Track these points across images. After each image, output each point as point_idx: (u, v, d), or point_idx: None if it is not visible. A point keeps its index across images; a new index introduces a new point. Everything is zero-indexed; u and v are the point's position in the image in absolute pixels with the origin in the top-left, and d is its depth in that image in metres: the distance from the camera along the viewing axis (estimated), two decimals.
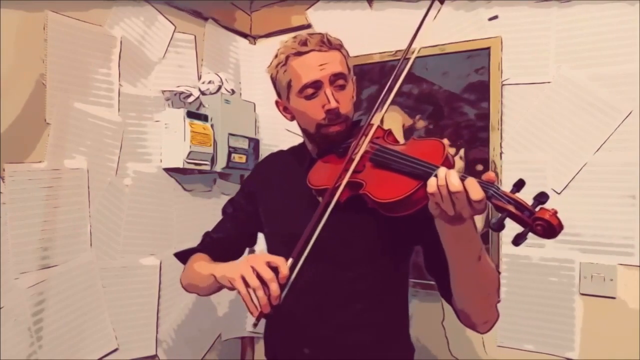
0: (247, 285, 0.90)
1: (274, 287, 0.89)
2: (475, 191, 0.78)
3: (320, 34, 1.10)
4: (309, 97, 1.07)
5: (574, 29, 1.55)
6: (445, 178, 0.80)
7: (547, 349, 1.57)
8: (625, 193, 1.47)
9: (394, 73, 1.03)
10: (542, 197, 0.79)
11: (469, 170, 1.69)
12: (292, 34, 1.13)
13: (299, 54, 1.07)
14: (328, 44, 1.08)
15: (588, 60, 1.53)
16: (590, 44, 1.53)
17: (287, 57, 1.09)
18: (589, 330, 1.51)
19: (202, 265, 1.14)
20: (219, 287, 1.08)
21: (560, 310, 1.55)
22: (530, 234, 0.78)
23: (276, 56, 1.13)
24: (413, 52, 1.02)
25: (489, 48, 1.66)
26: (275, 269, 0.91)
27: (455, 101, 1.73)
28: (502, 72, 1.65)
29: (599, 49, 1.52)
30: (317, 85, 1.05)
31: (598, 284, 1.50)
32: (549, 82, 1.59)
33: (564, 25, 1.57)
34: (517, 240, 0.77)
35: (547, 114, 1.59)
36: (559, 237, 1.56)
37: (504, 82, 1.65)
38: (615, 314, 1.48)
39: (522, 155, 1.62)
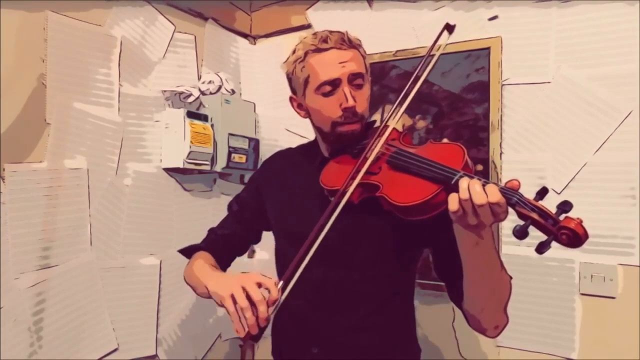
0: (235, 304, 0.90)
1: (262, 309, 0.88)
2: (494, 194, 0.78)
3: (340, 32, 1.09)
4: (326, 95, 1.06)
5: (574, 29, 1.55)
6: (469, 190, 0.80)
7: (547, 349, 1.57)
8: (626, 193, 1.47)
9: (413, 77, 1.03)
10: (565, 206, 0.78)
11: None
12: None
13: (319, 50, 1.06)
14: (348, 42, 1.07)
15: (588, 60, 1.53)
16: (590, 44, 1.53)
17: (305, 53, 1.07)
18: (589, 330, 1.51)
19: (201, 270, 1.13)
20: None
21: (560, 310, 1.55)
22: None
23: (294, 52, 1.12)
24: (437, 50, 1.02)
25: (489, 48, 1.66)
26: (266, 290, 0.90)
27: (455, 101, 1.72)
28: (502, 72, 1.65)
29: (599, 49, 1.51)
30: (335, 83, 1.04)
31: (598, 284, 1.50)
32: (549, 82, 1.59)
33: (564, 25, 1.57)
34: (541, 248, 0.77)
35: (547, 114, 1.59)
36: None
37: (504, 82, 1.65)
38: (615, 314, 1.48)
39: (522, 155, 1.62)
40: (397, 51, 1.84)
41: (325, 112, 1.07)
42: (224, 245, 1.28)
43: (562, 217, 0.78)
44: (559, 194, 1.55)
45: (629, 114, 1.47)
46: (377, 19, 1.89)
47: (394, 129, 1.07)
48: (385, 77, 1.86)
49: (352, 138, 1.08)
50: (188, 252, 1.28)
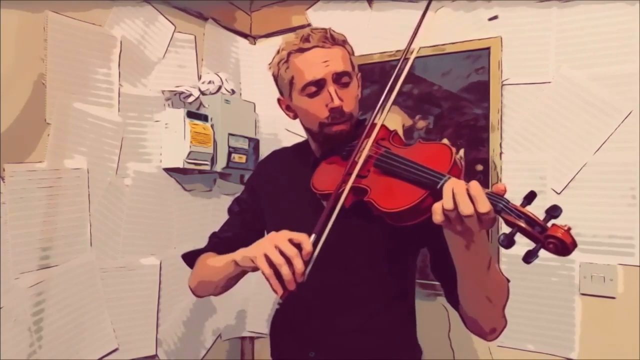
0: (270, 263, 0.87)
1: (298, 264, 0.85)
2: (482, 204, 0.75)
3: (323, 29, 1.06)
4: (311, 95, 1.04)
5: (574, 29, 1.55)
6: (454, 198, 0.76)
7: (547, 349, 1.57)
8: (626, 193, 1.47)
9: (395, 73, 0.99)
10: (554, 211, 0.74)
11: (469, 170, 1.68)
12: (293, 33, 1.11)
13: (301, 50, 1.03)
14: (331, 40, 1.04)
15: (588, 60, 1.53)
16: (590, 44, 1.53)
17: (289, 54, 1.06)
18: (589, 330, 1.51)
19: (218, 258, 1.11)
20: (239, 276, 1.07)
21: (560, 310, 1.55)
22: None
23: (278, 52, 1.10)
24: (412, 52, 1.00)
25: (489, 48, 1.66)
26: (297, 246, 0.88)
27: (455, 101, 1.72)
28: (502, 72, 1.65)
29: (599, 49, 1.51)
30: (320, 83, 1.02)
31: (598, 284, 1.50)
32: (549, 82, 1.59)
33: (564, 25, 1.57)
34: (528, 257, 0.74)
35: (547, 114, 1.59)
36: None
37: (504, 82, 1.65)
38: (615, 314, 1.48)
39: (522, 155, 1.62)
40: (397, 51, 1.84)
41: (312, 112, 1.05)
42: (229, 247, 1.24)
43: (550, 223, 0.74)
44: (559, 194, 1.55)
45: (629, 114, 1.47)
46: (377, 19, 1.89)
47: (383, 127, 1.04)
48: (385, 77, 1.86)
49: (341, 138, 1.06)
50: (190, 257, 1.26)
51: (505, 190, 0.78)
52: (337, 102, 1.01)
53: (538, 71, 1.60)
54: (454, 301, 1.02)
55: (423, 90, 1.78)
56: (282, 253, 0.87)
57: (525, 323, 1.59)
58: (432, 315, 1.70)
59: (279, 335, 1.23)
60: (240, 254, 0.98)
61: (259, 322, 2.08)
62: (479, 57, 1.68)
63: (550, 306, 1.57)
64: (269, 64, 1.14)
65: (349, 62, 1.07)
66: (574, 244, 0.71)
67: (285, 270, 0.86)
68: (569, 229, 0.72)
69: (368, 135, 0.99)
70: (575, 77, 1.55)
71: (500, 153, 1.65)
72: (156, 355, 1.72)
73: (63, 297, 1.43)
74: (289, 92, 1.09)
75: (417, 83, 1.79)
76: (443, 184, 0.81)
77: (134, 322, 1.65)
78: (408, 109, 1.81)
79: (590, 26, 1.53)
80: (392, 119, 1.82)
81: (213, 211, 1.95)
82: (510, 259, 1.62)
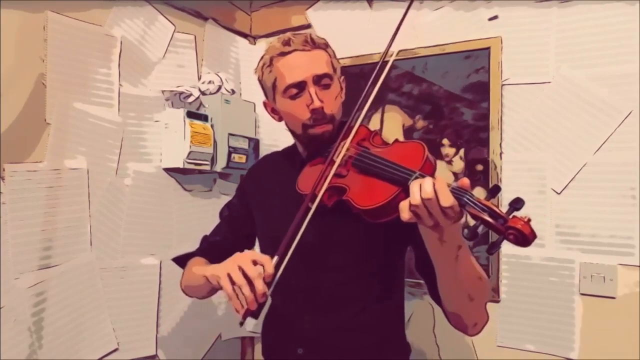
0: (233, 283, 0.91)
1: (260, 285, 0.89)
2: (445, 198, 0.77)
3: (304, 34, 1.10)
4: (293, 97, 1.07)
5: (574, 29, 1.55)
6: (420, 194, 0.78)
7: (547, 349, 1.57)
8: (626, 193, 1.47)
9: (373, 75, 1.04)
10: (516, 204, 0.76)
11: (469, 170, 1.69)
12: (276, 38, 1.14)
13: (283, 54, 1.07)
14: (312, 43, 1.07)
15: (588, 60, 1.53)
16: (590, 44, 1.53)
17: (271, 58, 1.09)
18: (589, 330, 1.51)
19: (200, 268, 1.15)
20: (215, 289, 1.09)
21: (560, 310, 1.55)
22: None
23: (262, 57, 1.13)
24: (392, 55, 1.02)
25: (489, 48, 1.66)
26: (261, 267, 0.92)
27: (455, 101, 1.72)
28: (502, 72, 1.65)
29: (599, 49, 1.51)
30: (301, 85, 1.05)
31: (598, 284, 1.50)
32: (549, 82, 1.59)
33: (564, 25, 1.57)
34: (491, 249, 0.75)
35: (547, 114, 1.59)
36: (559, 237, 1.55)
37: (504, 82, 1.65)
38: (615, 314, 1.48)
39: (522, 155, 1.62)
40: (399, 51, 1.83)
41: (295, 114, 1.08)
42: (216, 251, 1.28)
43: (512, 216, 0.75)
44: (559, 194, 1.55)
45: (629, 114, 1.47)
46: (377, 19, 1.89)
47: (364, 128, 1.08)
48: (386, 77, 1.86)
49: (324, 140, 1.08)
50: (181, 260, 1.31)
51: (469, 185, 0.80)
52: (317, 103, 1.04)
53: (538, 71, 1.60)
54: (437, 297, 1.03)
55: (423, 90, 1.78)
56: (244, 274, 0.90)
57: (525, 323, 1.59)
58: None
59: (269, 333, 1.25)
60: (210, 271, 1.01)
61: (259, 322, 2.08)
62: (479, 57, 1.68)
63: (550, 306, 1.57)
64: (255, 69, 1.17)
65: (330, 65, 1.10)
66: (532, 234, 0.73)
67: (246, 291, 0.89)
68: (529, 220, 0.74)
69: (346, 136, 1.02)
70: (575, 77, 1.55)
71: (500, 153, 1.65)
72: (156, 355, 1.72)
73: (63, 297, 1.43)
74: (273, 95, 1.12)
75: (417, 83, 1.79)
76: (413, 181, 0.83)
77: (134, 322, 1.65)
78: (408, 109, 1.81)
79: (590, 26, 1.53)
80: (393, 118, 1.82)
81: (213, 211, 1.95)
82: (510, 259, 1.62)
